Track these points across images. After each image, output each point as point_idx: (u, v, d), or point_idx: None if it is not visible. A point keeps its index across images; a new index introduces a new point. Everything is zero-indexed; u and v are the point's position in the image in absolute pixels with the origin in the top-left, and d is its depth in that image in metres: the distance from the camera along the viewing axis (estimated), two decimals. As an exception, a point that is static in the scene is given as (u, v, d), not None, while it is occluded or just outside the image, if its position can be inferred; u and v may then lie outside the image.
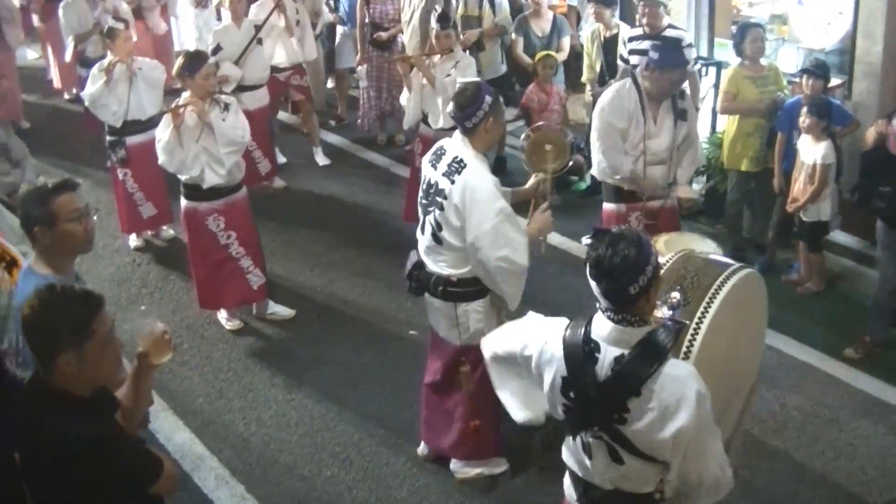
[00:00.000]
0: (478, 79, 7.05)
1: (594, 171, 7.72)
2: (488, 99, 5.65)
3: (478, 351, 6.00)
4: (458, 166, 5.65)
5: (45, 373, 3.76)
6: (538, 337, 4.15)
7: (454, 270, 5.85)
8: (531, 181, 6.15)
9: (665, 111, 7.33)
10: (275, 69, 11.09)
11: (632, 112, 7.27)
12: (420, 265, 6.07)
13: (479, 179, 5.57)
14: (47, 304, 3.71)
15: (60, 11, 11.80)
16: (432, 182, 5.80)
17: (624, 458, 3.87)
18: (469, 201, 5.55)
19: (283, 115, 13.03)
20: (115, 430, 3.91)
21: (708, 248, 6.29)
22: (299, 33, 11.17)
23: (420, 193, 5.97)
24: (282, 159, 11.73)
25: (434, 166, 5.82)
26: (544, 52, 10.40)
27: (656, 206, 7.53)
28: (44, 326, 3.70)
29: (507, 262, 5.58)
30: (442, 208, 5.71)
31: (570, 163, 6.40)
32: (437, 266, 5.93)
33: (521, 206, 5.97)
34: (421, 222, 5.99)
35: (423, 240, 5.99)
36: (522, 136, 6.53)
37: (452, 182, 5.62)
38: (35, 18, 15.03)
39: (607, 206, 7.74)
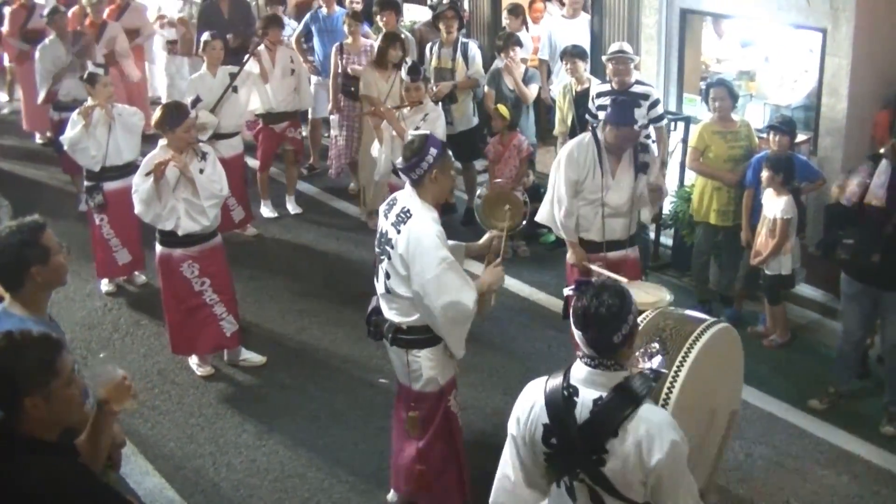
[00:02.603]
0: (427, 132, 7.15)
1: (543, 217, 7.79)
2: (433, 151, 5.76)
3: (433, 398, 6.11)
4: (404, 216, 5.78)
5: (12, 419, 3.72)
6: (524, 403, 4.19)
7: (404, 318, 5.96)
8: (485, 237, 6.30)
9: (625, 165, 7.45)
10: (269, 118, 11.29)
11: (589, 164, 7.40)
12: (378, 310, 6.19)
13: (423, 229, 5.70)
14: (7, 351, 3.69)
15: (37, 54, 11.85)
16: (383, 231, 5.96)
17: (605, 499, 3.96)
18: (413, 251, 5.68)
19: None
20: (83, 472, 3.89)
21: (663, 297, 6.46)
22: (295, 82, 11.32)
23: (375, 241, 6.10)
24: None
25: (386, 216, 5.97)
26: (496, 105, 10.51)
27: (616, 257, 7.64)
28: (7, 373, 3.66)
29: (451, 309, 5.70)
30: (390, 257, 5.86)
31: (524, 222, 6.56)
32: (390, 313, 6.05)
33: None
34: (376, 270, 6.12)
35: (378, 287, 6.13)
36: (478, 192, 6.67)
37: (399, 231, 5.77)
38: (6, 58, 15.14)
39: (570, 258, 7.84)
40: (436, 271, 5.62)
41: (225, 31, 12.04)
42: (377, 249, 6.05)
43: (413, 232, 5.70)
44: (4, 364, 3.66)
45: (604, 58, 9.55)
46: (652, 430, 3.80)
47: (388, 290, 5.98)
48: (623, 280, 6.05)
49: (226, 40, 11.58)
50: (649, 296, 6.50)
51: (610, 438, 3.83)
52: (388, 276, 5.93)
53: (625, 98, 8.45)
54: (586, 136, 7.56)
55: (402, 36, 11.51)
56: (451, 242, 6.09)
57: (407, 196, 5.90)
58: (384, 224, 5.96)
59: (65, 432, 3.92)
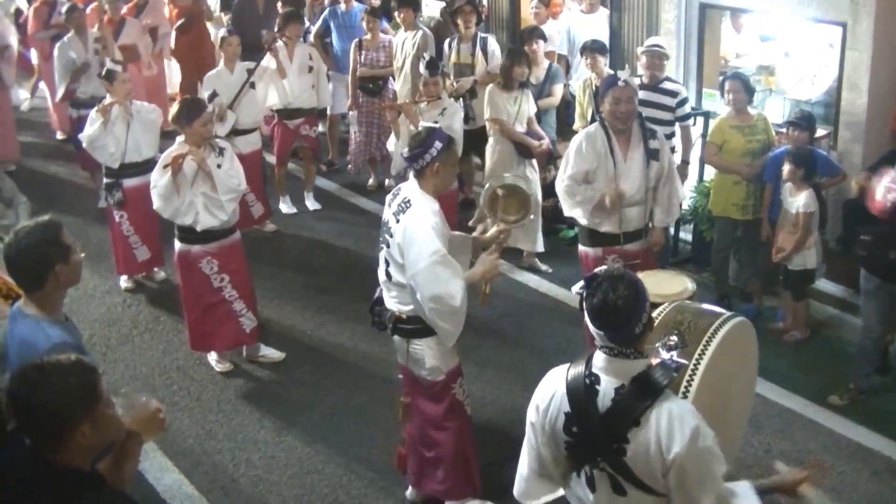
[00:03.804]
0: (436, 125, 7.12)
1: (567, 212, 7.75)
2: (438, 145, 5.85)
3: (439, 387, 6.19)
4: (405, 206, 5.86)
5: (51, 451, 3.51)
6: (544, 391, 4.18)
7: (403, 307, 6.03)
8: (492, 230, 6.35)
9: (635, 151, 7.46)
10: (285, 113, 11.32)
11: (599, 152, 7.42)
12: (381, 300, 6.26)
13: (418, 220, 5.76)
14: (47, 385, 3.48)
15: (55, 52, 11.88)
16: (385, 220, 6.03)
17: (627, 489, 3.94)
18: (408, 240, 5.75)
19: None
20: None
21: (685, 286, 6.45)
22: (313, 79, 11.34)
23: (380, 231, 6.16)
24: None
25: (389, 205, 6.04)
26: None
27: (634, 248, 7.63)
28: (54, 407, 3.46)
29: (439, 301, 5.74)
30: (389, 245, 5.94)
31: (532, 216, 6.55)
32: (391, 301, 6.13)
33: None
34: (378, 259, 6.18)
35: (380, 275, 6.20)
36: (486, 186, 6.68)
37: (398, 221, 5.85)
38: (34, 57, 15.19)
39: (583, 250, 7.80)
40: (427, 262, 5.67)
41: (260, 26, 12.07)
42: (380, 238, 6.12)
43: (409, 222, 5.78)
44: (49, 399, 3.45)
45: (639, 50, 9.54)
46: (673, 420, 3.78)
47: (388, 278, 6.06)
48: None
49: (259, 36, 11.60)
50: (673, 285, 6.49)
51: (632, 427, 3.82)
52: (387, 263, 6.01)
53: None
54: (594, 126, 7.58)
55: (423, 32, 11.50)
56: (458, 234, 6.19)
57: (410, 187, 5.99)
58: (387, 213, 6.04)
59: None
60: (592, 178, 7.45)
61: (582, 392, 3.94)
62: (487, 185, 6.68)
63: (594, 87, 10.00)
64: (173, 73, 15.24)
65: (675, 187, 7.74)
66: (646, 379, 3.87)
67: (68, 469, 3.53)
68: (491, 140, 10.03)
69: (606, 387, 3.89)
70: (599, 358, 3.95)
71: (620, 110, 7.31)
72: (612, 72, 10.02)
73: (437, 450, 6.36)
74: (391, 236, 5.89)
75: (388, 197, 6.13)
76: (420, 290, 5.73)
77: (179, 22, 14.11)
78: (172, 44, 14.16)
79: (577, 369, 4.02)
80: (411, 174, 6.00)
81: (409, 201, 5.86)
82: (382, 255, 6.07)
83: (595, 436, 3.92)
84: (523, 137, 9.85)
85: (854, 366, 7.75)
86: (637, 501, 3.96)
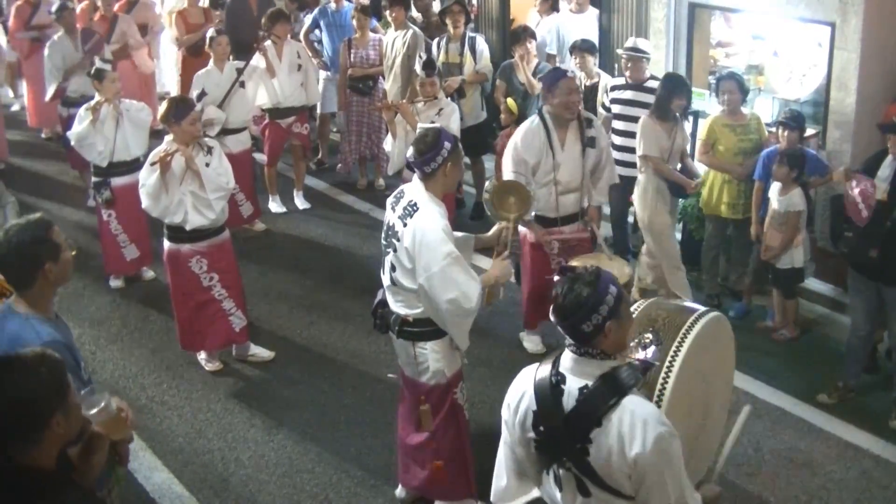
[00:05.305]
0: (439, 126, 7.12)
1: None
2: (447, 145, 5.82)
3: (440, 390, 6.11)
4: (412, 209, 5.81)
5: (24, 447, 3.51)
6: (515, 389, 4.20)
7: (410, 310, 6.00)
8: (494, 229, 6.36)
9: (572, 140, 7.67)
10: (275, 113, 11.29)
11: (541, 145, 7.61)
12: (384, 303, 6.22)
13: (429, 223, 5.72)
14: (19, 377, 3.53)
15: (46, 51, 11.85)
16: (390, 224, 5.98)
17: (591, 490, 3.93)
18: (418, 244, 5.71)
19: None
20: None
21: (621, 271, 6.59)
22: (302, 78, 11.32)
23: (382, 234, 6.12)
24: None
25: (393, 208, 6.00)
26: (506, 98, 10.46)
27: (572, 230, 7.89)
28: (31, 397, 3.51)
29: (454, 304, 5.72)
30: (396, 250, 5.89)
31: (534, 213, 6.58)
32: (396, 305, 6.08)
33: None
34: (382, 262, 6.15)
35: (384, 279, 6.16)
36: (486, 184, 6.70)
37: (405, 225, 5.80)
38: (6, 49, 15.13)
39: (522, 231, 7.93)
40: (441, 265, 5.65)
41: (253, 26, 12.05)
42: (383, 242, 6.08)
43: (419, 226, 5.73)
44: (24, 391, 3.49)
45: (619, 50, 9.57)
46: (635, 421, 3.76)
47: (393, 283, 6.01)
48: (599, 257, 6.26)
49: (254, 36, 11.58)
50: (611, 270, 6.54)
51: (594, 428, 3.81)
52: (393, 268, 5.97)
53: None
54: (535, 120, 7.79)
55: (413, 31, 11.49)
56: (459, 234, 6.12)
57: (414, 189, 5.93)
58: (391, 216, 5.99)
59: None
60: (535, 170, 7.67)
61: (547, 391, 3.96)
62: (488, 184, 6.71)
63: (583, 87, 10.02)
64: (163, 72, 15.22)
65: (610, 171, 8.05)
66: (611, 379, 3.86)
67: (33, 469, 3.53)
68: (641, 178, 8.95)
69: (571, 386, 3.90)
70: (566, 357, 3.96)
71: (572, 100, 7.54)
72: (600, 71, 10.10)
73: (433, 452, 6.34)
74: (398, 240, 5.84)
75: (390, 199, 6.10)
76: (435, 294, 5.70)
77: (186, 34, 13.80)
78: (180, 65, 13.98)
79: (545, 368, 4.04)
80: (417, 176, 5.94)
81: (415, 204, 5.81)
82: (388, 259, 6.01)
83: (559, 435, 3.93)
84: (678, 176, 8.88)
85: (843, 364, 7.77)
86: (601, 502, 3.96)
